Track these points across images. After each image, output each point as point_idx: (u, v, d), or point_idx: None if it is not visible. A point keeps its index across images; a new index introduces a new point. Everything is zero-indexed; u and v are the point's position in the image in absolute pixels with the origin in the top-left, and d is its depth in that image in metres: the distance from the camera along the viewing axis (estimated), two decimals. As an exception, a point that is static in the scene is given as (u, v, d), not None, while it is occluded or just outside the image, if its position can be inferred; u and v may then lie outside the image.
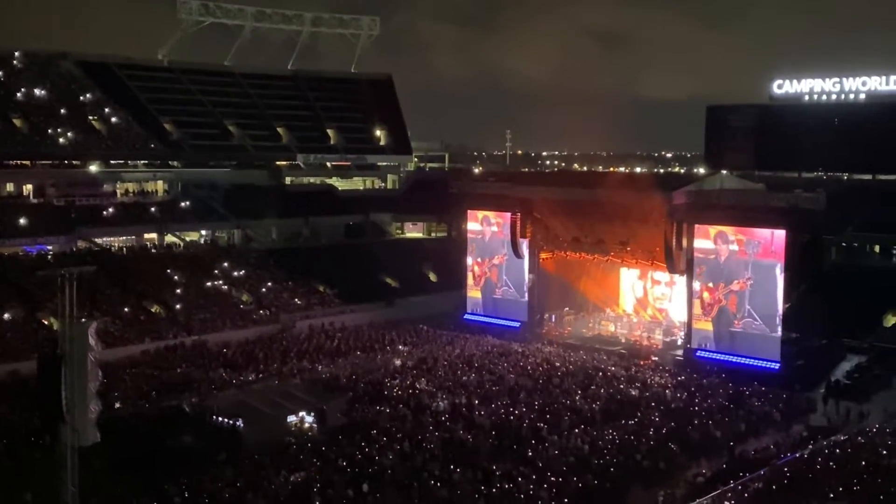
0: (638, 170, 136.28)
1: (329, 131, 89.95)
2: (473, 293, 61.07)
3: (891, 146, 68.00)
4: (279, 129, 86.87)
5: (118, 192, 70.73)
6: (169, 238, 67.68)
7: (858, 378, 45.42)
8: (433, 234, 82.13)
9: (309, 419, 37.55)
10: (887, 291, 53.99)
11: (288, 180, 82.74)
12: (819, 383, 44.64)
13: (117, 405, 38.97)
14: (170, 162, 76.04)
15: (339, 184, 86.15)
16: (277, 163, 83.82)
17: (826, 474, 29.56)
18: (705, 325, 49.63)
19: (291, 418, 37.39)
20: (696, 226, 49.74)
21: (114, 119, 75.27)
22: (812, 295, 49.70)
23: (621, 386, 43.48)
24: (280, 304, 60.69)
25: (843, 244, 61.62)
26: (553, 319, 58.74)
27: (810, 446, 34.49)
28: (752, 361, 47.17)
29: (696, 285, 49.87)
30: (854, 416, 39.74)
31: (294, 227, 74.89)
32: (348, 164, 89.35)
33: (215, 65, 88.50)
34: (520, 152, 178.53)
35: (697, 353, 49.41)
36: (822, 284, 53.47)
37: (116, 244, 66.04)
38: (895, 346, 48.33)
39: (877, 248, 62.07)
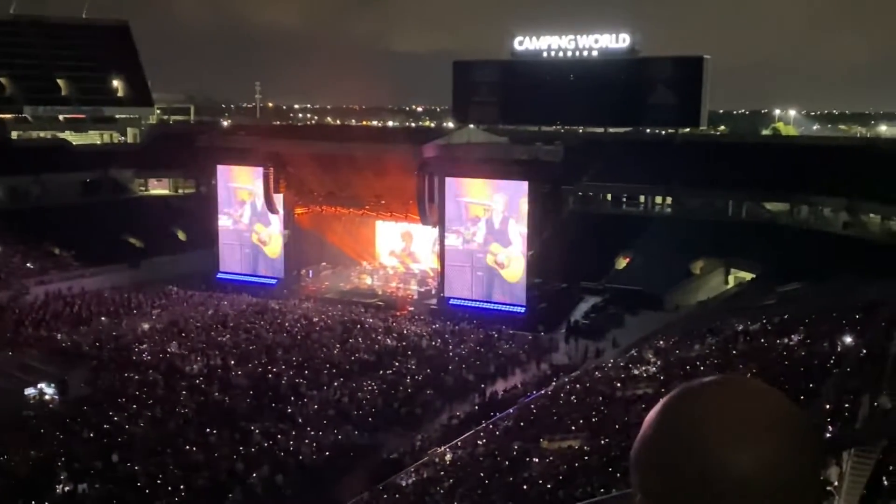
0: (390, 124, 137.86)
1: (60, 81, 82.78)
2: (226, 252, 59.28)
3: (620, 100, 73.18)
4: (1, 80, 78.91)
5: None
6: None
7: (595, 318, 49.06)
8: (180, 191, 78.27)
9: (49, 391, 35.53)
10: (618, 236, 58.45)
11: (14, 135, 75.53)
12: (560, 324, 47.78)
13: None
14: None
15: (74, 138, 79.73)
16: (1, 116, 76.31)
17: (568, 408, 31.81)
18: (458, 274, 51.48)
19: (30, 391, 35.29)
20: (447, 178, 51.18)
21: None
22: (552, 242, 52.85)
23: (379, 337, 44.22)
24: (10, 270, 55.61)
25: (580, 193, 65.75)
26: (310, 275, 58.41)
27: (553, 383, 37.03)
28: (500, 306, 49.62)
29: (448, 236, 51.45)
30: (591, 353, 43.06)
31: (22, 185, 68.66)
32: (83, 116, 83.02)
33: (-80, 4, 78.75)
34: (271, 105, 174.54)
35: (450, 302, 51.20)
36: (561, 232, 57.03)
37: None
38: (626, 286, 52.51)
39: (608, 197, 66.84)
